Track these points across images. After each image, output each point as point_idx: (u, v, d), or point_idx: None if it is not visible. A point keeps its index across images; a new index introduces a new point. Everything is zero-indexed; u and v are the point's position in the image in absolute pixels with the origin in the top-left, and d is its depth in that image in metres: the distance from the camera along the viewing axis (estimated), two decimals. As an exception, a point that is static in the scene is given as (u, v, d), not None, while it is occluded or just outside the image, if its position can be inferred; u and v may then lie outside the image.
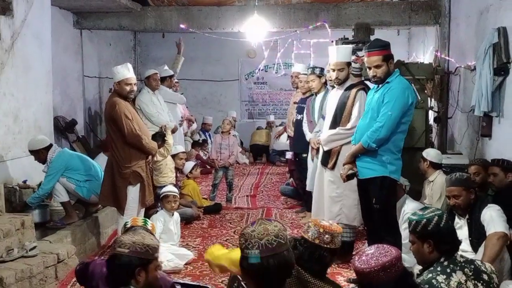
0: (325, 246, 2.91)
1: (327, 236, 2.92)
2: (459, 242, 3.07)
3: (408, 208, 4.87)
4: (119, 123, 5.07)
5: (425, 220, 2.97)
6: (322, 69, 6.40)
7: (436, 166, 5.67)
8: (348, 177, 4.55)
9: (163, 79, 7.64)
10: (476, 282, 2.86)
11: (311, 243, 2.90)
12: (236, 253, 2.58)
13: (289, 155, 7.47)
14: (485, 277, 2.90)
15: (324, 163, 5.13)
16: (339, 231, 2.97)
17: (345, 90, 5.05)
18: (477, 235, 4.06)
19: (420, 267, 3.11)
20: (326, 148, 5.09)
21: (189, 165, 7.46)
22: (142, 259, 2.70)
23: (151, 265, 2.75)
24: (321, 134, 5.35)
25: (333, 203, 5.07)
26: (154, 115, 6.91)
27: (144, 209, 5.52)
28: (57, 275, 4.62)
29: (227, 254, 2.69)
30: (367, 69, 4.41)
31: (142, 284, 2.69)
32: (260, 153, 12.03)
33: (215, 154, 7.80)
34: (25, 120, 6.19)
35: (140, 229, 2.95)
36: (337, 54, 5.01)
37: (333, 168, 5.01)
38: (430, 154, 5.74)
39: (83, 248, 5.43)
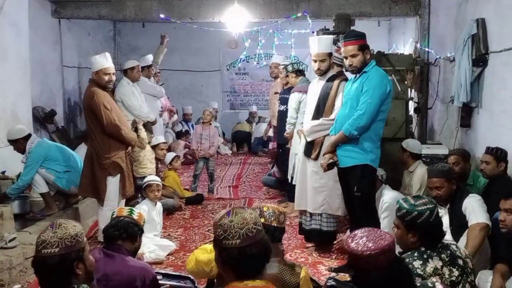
0: (281, 226, 2.92)
1: (281, 216, 2.93)
2: (444, 235, 3.10)
3: (387, 198, 4.91)
4: (98, 113, 5.03)
5: (416, 212, 2.95)
6: (292, 65, 6.52)
7: (415, 156, 5.72)
8: (329, 167, 4.58)
9: (141, 69, 7.58)
10: (451, 267, 2.90)
11: (269, 226, 2.90)
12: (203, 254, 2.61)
13: (271, 145, 7.50)
14: (460, 262, 2.95)
15: (307, 153, 5.15)
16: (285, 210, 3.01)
17: (327, 81, 5.07)
18: (458, 224, 4.11)
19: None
20: (309, 139, 5.11)
21: (169, 156, 7.43)
22: (76, 251, 2.43)
23: (85, 252, 2.49)
24: (304, 125, 5.36)
25: (317, 193, 5.09)
26: (137, 107, 6.79)
27: (124, 200, 5.49)
28: (37, 267, 4.57)
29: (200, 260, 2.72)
30: (344, 59, 4.49)
31: (83, 275, 2.47)
32: (242, 141, 12.00)
33: (196, 145, 7.78)
34: (2, 110, 6.11)
35: (58, 219, 2.56)
36: (318, 45, 5.03)
37: (316, 158, 5.02)
38: (410, 144, 5.79)
39: (63, 239, 5.38)
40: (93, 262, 2.59)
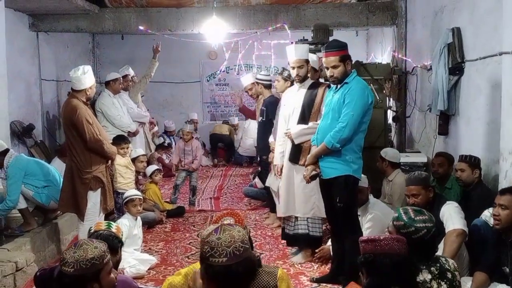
0: (248, 235, 2.88)
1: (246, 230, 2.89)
2: (435, 252, 3.14)
3: (372, 209, 4.86)
4: (81, 128, 4.97)
5: (413, 228, 2.97)
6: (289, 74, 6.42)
7: (394, 165, 5.78)
8: (312, 178, 4.58)
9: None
10: (440, 281, 2.90)
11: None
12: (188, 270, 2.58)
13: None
14: (449, 275, 2.95)
15: (294, 160, 5.12)
16: None
17: (309, 88, 5.10)
18: (436, 232, 4.15)
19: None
20: (297, 142, 5.05)
21: (150, 168, 7.37)
22: (92, 273, 2.56)
23: (103, 272, 2.61)
24: (291, 129, 5.28)
25: (307, 198, 5.11)
26: (116, 117, 6.98)
27: (104, 214, 5.44)
28: (16, 284, 4.50)
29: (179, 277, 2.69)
30: (325, 69, 4.46)
31: None
32: (217, 143, 11.93)
33: (177, 159, 7.75)
34: (-21, 125, 6.02)
35: (83, 240, 2.72)
36: (295, 52, 5.06)
37: (304, 164, 5.00)
38: (388, 153, 5.84)
39: (42, 255, 5.32)
40: (112, 281, 2.68)
